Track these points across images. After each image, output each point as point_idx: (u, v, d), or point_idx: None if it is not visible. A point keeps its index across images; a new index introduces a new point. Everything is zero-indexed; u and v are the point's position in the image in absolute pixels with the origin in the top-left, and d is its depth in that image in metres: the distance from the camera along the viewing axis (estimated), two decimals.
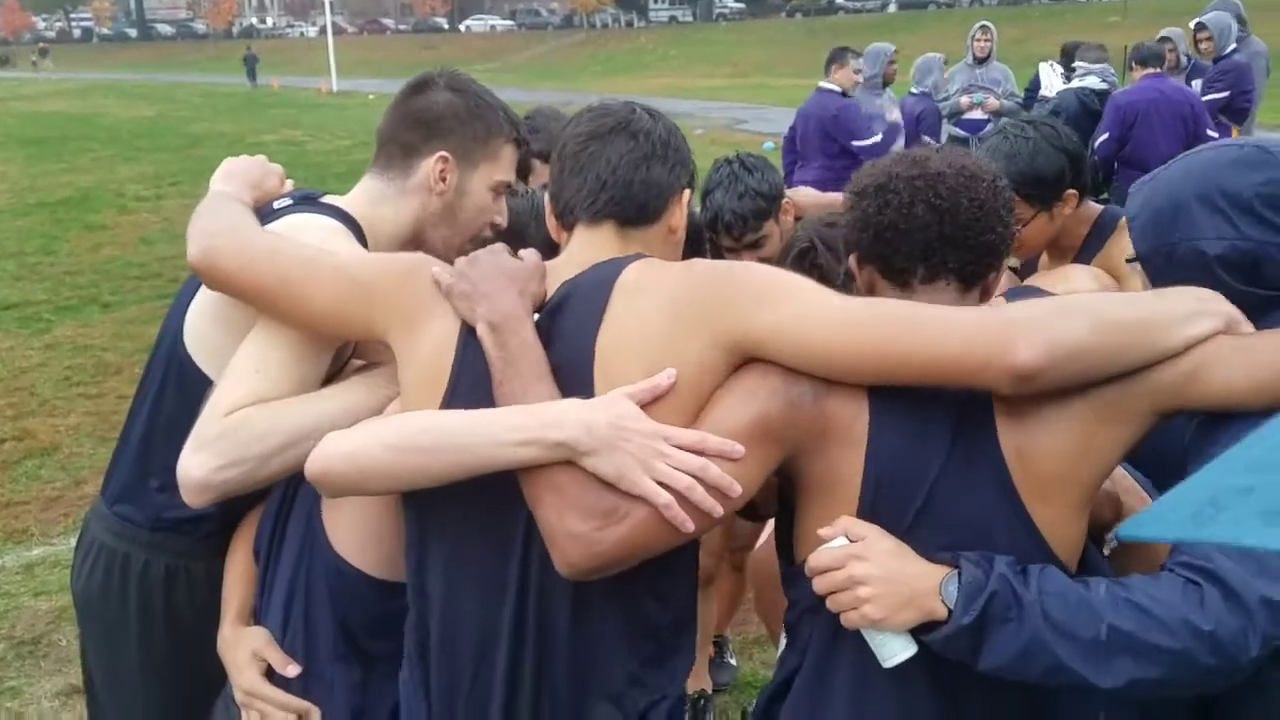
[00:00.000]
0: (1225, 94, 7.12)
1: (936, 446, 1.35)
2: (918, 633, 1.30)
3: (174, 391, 1.74)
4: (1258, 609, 1.20)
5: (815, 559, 1.33)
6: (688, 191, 1.55)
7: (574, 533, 1.29)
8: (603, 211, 1.49)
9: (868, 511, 1.35)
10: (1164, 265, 1.48)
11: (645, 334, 1.36)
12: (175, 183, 13.43)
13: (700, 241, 2.50)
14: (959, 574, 1.28)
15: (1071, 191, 2.37)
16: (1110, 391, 1.32)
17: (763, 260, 2.20)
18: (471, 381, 1.39)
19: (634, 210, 1.49)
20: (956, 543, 1.34)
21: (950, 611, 1.26)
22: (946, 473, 1.35)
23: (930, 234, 1.41)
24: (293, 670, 1.60)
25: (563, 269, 1.47)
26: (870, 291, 1.50)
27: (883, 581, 1.28)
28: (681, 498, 1.28)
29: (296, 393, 1.56)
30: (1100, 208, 2.50)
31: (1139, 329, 1.30)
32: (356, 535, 1.57)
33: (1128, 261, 1.55)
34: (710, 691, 3.12)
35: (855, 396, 1.35)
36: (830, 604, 1.32)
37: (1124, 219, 2.42)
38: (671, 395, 1.34)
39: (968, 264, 1.43)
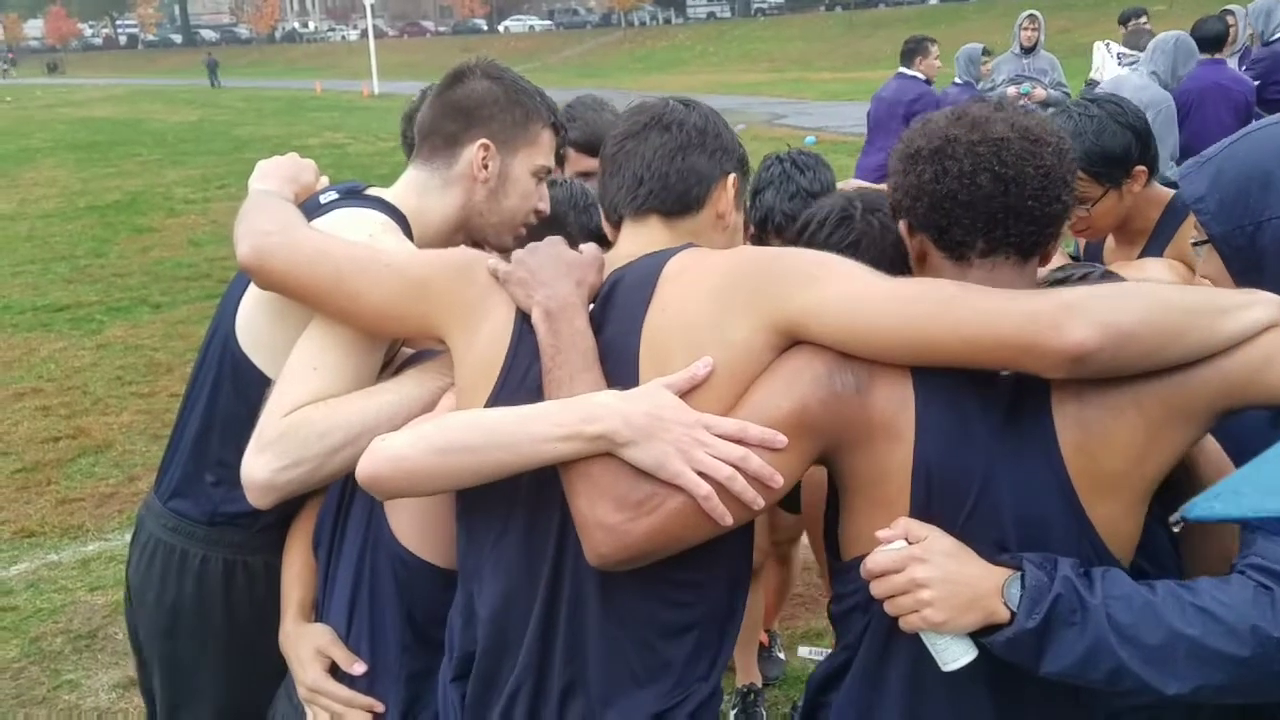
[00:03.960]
0: (1255, 83, 6.88)
1: (988, 441, 1.31)
2: (976, 636, 1.27)
3: (230, 388, 1.75)
4: None
5: (873, 561, 1.29)
6: (733, 176, 1.53)
7: (606, 523, 1.28)
8: (644, 205, 1.50)
9: (920, 508, 1.31)
10: (1246, 246, 1.38)
11: (690, 320, 1.35)
12: (222, 185, 13.61)
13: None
14: (1022, 576, 1.24)
15: (1140, 168, 2.32)
16: (1174, 386, 1.27)
17: None
18: (522, 372, 1.40)
19: (674, 200, 1.49)
20: (1010, 539, 1.30)
21: (1013, 614, 1.22)
22: (999, 468, 1.31)
23: (994, 205, 1.32)
24: (359, 669, 1.60)
25: (613, 262, 1.48)
26: (921, 261, 1.44)
27: (944, 584, 1.24)
28: (721, 489, 1.26)
29: (354, 388, 1.57)
30: (1171, 192, 2.44)
31: (1194, 312, 1.26)
32: (419, 525, 1.57)
33: (1194, 245, 1.48)
34: (760, 685, 3.09)
35: (901, 389, 1.31)
36: (889, 608, 1.28)
37: None
38: (715, 380, 1.32)
39: (1030, 235, 1.35)
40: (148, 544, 1.87)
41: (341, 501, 1.66)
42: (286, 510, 1.75)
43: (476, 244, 1.83)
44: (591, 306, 1.42)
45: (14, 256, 9.81)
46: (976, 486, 1.31)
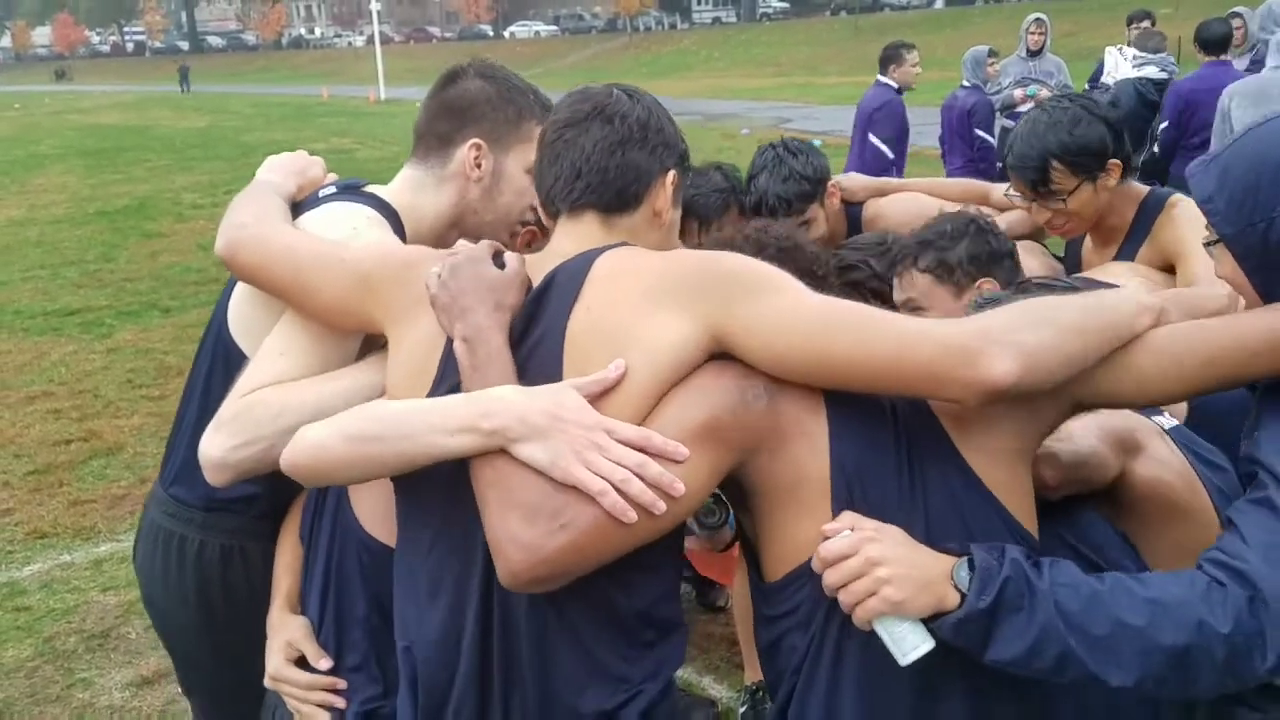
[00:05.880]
0: None
1: (894, 433, 1.35)
2: (926, 623, 1.26)
3: (220, 374, 1.78)
4: None
5: (825, 549, 1.28)
6: (673, 173, 1.50)
7: (516, 537, 1.24)
8: (581, 200, 1.46)
9: (843, 505, 1.32)
10: (1258, 244, 1.35)
11: (616, 321, 1.34)
12: (230, 190, 13.59)
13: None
14: (969, 560, 1.25)
15: (1114, 161, 2.34)
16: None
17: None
18: (452, 384, 1.39)
19: (613, 197, 1.46)
20: (931, 525, 1.33)
21: (964, 597, 1.23)
22: (907, 457, 1.34)
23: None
24: (324, 664, 1.64)
25: (546, 260, 1.45)
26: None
27: (899, 562, 1.25)
28: (619, 490, 1.25)
29: (321, 374, 1.60)
30: (1146, 189, 2.46)
31: (1093, 333, 1.33)
32: (381, 510, 1.59)
33: (1206, 246, 1.48)
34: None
35: (810, 393, 1.34)
36: (844, 596, 1.27)
37: (1170, 200, 2.38)
38: (636, 382, 1.31)
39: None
40: (150, 530, 1.91)
41: (320, 491, 1.69)
42: (282, 498, 1.80)
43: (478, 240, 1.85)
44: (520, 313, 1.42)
45: (24, 262, 9.87)
46: (893, 478, 1.33)
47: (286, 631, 1.70)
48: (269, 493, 1.75)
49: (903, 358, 1.26)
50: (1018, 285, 1.78)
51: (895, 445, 1.35)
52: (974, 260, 2.08)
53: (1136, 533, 1.67)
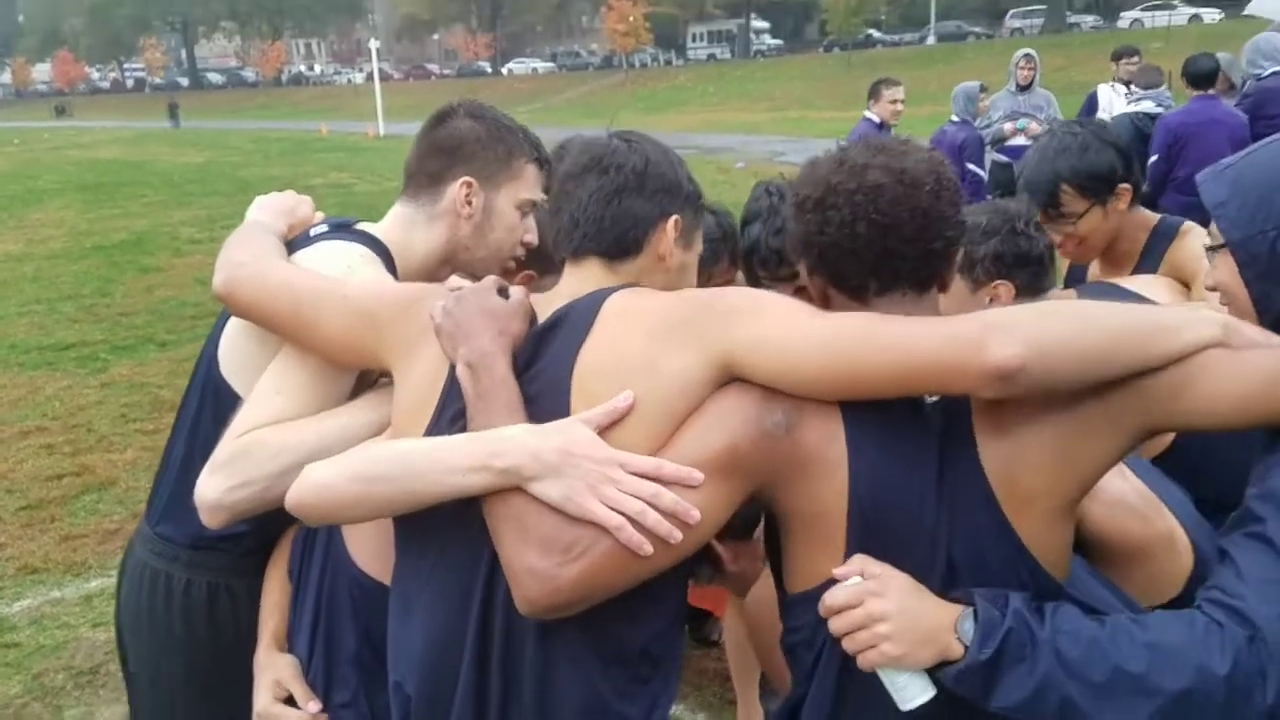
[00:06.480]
0: (1245, 117, 6.89)
1: (920, 471, 1.33)
2: (930, 672, 1.27)
3: (210, 413, 1.78)
4: None
5: (831, 597, 1.29)
6: (675, 218, 1.51)
7: (533, 568, 1.27)
8: (581, 248, 1.50)
9: (858, 541, 1.32)
10: (1265, 253, 1.36)
11: (624, 358, 1.36)
12: (227, 225, 13.64)
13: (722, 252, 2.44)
14: (974, 611, 1.25)
15: (1124, 186, 2.37)
16: (1093, 404, 1.29)
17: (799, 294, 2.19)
18: (455, 411, 1.40)
19: (611, 244, 1.49)
20: (949, 566, 1.32)
21: (966, 648, 1.23)
22: (932, 496, 1.32)
23: (875, 249, 1.38)
24: (313, 707, 1.64)
25: (554, 299, 1.49)
26: (823, 299, 1.48)
27: (901, 617, 1.25)
28: (635, 522, 1.26)
29: (317, 413, 1.60)
30: (1158, 216, 2.48)
31: (1125, 332, 1.28)
32: (374, 547, 1.59)
33: (1208, 250, 1.47)
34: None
35: (831, 424, 1.33)
36: (847, 644, 1.28)
37: (1184, 227, 2.41)
38: (648, 416, 1.32)
39: (919, 271, 1.40)
40: (135, 568, 1.90)
41: (310, 528, 1.68)
42: (268, 534, 1.80)
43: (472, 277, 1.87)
44: (526, 346, 1.43)
45: (20, 296, 9.87)
46: (913, 517, 1.32)
47: (274, 670, 1.69)
48: (256, 530, 1.74)
49: (911, 353, 1.26)
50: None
51: (924, 483, 1.33)
52: (998, 259, 2.09)
53: (1108, 570, 1.67)
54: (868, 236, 1.37)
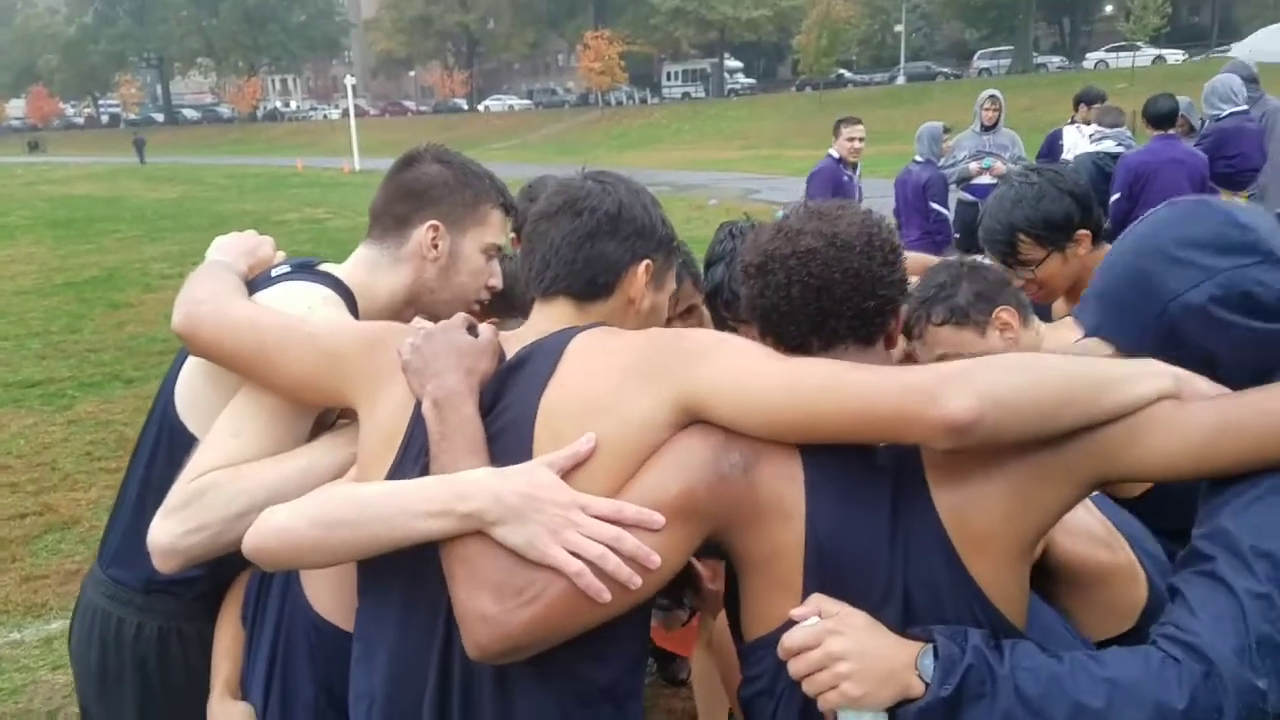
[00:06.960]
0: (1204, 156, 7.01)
1: (876, 512, 1.34)
2: (890, 711, 1.26)
3: (165, 454, 1.77)
4: (1236, 690, 1.17)
5: (790, 639, 1.29)
6: (647, 262, 1.54)
7: (484, 614, 1.26)
8: (551, 288, 1.52)
9: (815, 584, 1.33)
10: (1157, 345, 1.38)
11: (589, 398, 1.36)
12: (199, 261, 13.50)
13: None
14: (934, 648, 1.26)
15: (1083, 232, 2.41)
16: (1047, 452, 1.30)
17: None
18: (419, 448, 1.40)
19: (583, 286, 1.50)
20: (905, 608, 1.32)
21: (926, 686, 1.24)
22: (886, 538, 1.33)
23: (811, 311, 1.42)
24: None
25: (524, 335, 1.50)
26: None
27: (861, 656, 1.25)
28: (595, 567, 1.26)
29: (274, 456, 1.59)
30: None
31: (1078, 385, 1.28)
32: (333, 591, 1.58)
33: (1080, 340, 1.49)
34: None
35: (789, 467, 1.34)
36: (807, 686, 1.28)
37: None
38: (610, 457, 1.33)
39: (857, 328, 1.44)
40: (86, 611, 1.88)
41: (265, 572, 1.67)
42: (221, 578, 1.77)
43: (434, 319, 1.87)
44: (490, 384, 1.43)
45: None
46: (869, 558, 1.33)
47: (228, 718, 1.67)
48: (210, 574, 1.72)
49: (869, 401, 1.27)
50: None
51: (879, 526, 1.33)
52: (981, 296, 2.11)
53: (1065, 598, 1.69)
54: (802, 299, 1.42)
